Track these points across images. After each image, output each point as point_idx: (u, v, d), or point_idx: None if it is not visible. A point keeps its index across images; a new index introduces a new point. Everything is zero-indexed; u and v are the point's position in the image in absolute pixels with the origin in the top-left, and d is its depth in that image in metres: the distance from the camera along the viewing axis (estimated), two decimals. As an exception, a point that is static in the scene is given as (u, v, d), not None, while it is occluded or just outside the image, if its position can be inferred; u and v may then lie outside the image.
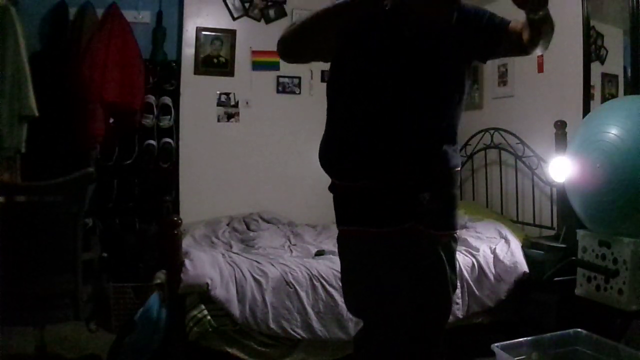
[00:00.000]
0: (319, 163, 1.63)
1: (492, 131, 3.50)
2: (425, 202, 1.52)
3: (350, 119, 1.53)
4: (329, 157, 1.60)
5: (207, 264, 2.38)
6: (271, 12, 3.84)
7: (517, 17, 1.61)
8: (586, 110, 2.82)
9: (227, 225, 3.41)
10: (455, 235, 1.66)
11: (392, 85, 1.48)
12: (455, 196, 1.64)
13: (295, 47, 1.51)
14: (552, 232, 2.95)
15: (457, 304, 2.57)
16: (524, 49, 1.50)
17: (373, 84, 1.49)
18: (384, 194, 1.50)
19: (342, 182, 1.58)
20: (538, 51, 1.50)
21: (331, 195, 1.66)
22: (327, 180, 1.63)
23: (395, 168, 1.50)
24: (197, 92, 3.65)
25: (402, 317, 1.55)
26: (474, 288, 2.66)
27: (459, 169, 1.64)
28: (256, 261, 2.52)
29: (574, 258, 2.39)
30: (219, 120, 3.74)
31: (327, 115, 1.61)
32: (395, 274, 1.53)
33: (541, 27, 1.39)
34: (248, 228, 3.41)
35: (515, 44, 1.50)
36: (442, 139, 1.54)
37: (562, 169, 2.53)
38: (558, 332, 2.02)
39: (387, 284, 1.52)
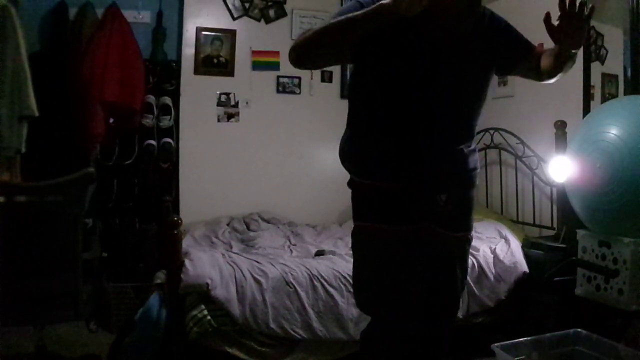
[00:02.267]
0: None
1: (492, 131, 3.50)
2: (442, 204, 1.54)
3: (373, 121, 1.55)
4: (350, 154, 1.63)
5: (207, 264, 2.38)
6: (271, 12, 3.84)
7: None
8: (586, 110, 2.82)
9: (227, 225, 3.41)
10: (469, 236, 1.68)
11: (416, 90, 1.49)
12: (471, 198, 1.67)
13: (310, 56, 1.49)
14: (552, 232, 2.96)
15: (457, 304, 2.57)
16: (539, 75, 1.58)
17: (398, 89, 1.50)
18: (402, 193, 1.52)
19: (361, 180, 1.59)
20: (548, 81, 1.57)
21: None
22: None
23: (416, 170, 1.52)
24: (197, 92, 3.65)
25: (412, 314, 1.56)
26: (474, 288, 2.66)
27: (478, 170, 1.66)
28: (256, 261, 2.52)
29: (574, 258, 2.39)
30: (219, 120, 3.74)
31: (349, 116, 1.65)
32: (407, 271, 1.54)
33: (567, 62, 1.46)
34: (248, 228, 3.41)
35: (533, 67, 1.57)
36: (461, 140, 1.57)
37: (562, 169, 2.53)
38: (558, 332, 2.01)
39: (399, 280, 1.53)
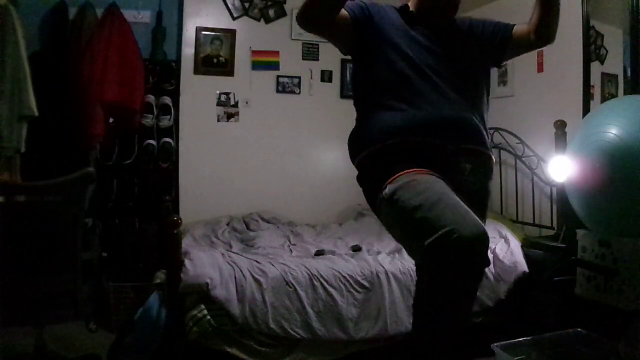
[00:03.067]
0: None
1: (492, 131, 3.49)
2: (467, 174, 1.56)
3: (387, 101, 1.59)
4: (364, 133, 1.63)
5: (207, 264, 2.38)
6: (271, 12, 3.84)
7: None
8: (586, 110, 2.82)
9: (227, 225, 3.41)
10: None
11: (430, 70, 1.58)
12: (489, 192, 1.70)
13: (312, 14, 1.53)
14: (552, 232, 2.96)
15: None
16: (533, 41, 1.64)
17: (411, 68, 1.57)
18: (425, 147, 1.53)
19: (378, 146, 1.56)
20: (546, 41, 1.63)
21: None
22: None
23: (437, 131, 1.54)
24: (197, 92, 3.65)
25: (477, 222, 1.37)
26: (474, 288, 2.65)
27: (494, 161, 1.71)
28: (256, 261, 2.52)
29: (574, 258, 2.39)
30: (219, 120, 3.74)
31: (358, 109, 1.69)
32: (451, 191, 1.44)
33: (550, 10, 1.56)
34: (248, 228, 3.41)
35: (523, 40, 1.65)
36: (480, 122, 1.62)
37: (562, 169, 2.53)
38: (558, 332, 2.02)
39: (449, 192, 1.42)
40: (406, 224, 1.45)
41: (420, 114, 1.55)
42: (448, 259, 1.29)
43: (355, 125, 1.70)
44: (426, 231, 1.32)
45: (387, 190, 1.48)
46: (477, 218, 1.36)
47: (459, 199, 1.39)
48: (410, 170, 1.47)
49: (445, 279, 1.33)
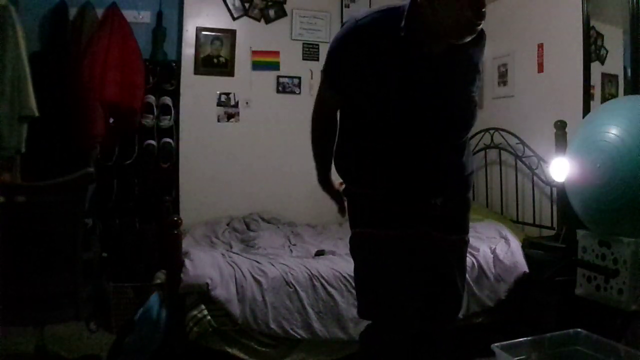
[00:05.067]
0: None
1: (492, 131, 3.50)
2: (438, 207, 1.54)
3: (362, 135, 1.56)
4: (342, 165, 1.64)
5: (207, 264, 2.38)
6: (271, 12, 3.84)
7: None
8: (586, 110, 2.82)
9: (227, 225, 3.41)
10: (466, 239, 1.67)
11: (407, 107, 1.46)
12: (467, 200, 1.67)
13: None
14: (552, 232, 2.95)
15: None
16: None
17: (385, 104, 1.47)
18: (397, 199, 1.53)
19: (353, 188, 1.61)
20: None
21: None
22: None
23: (409, 178, 1.52)
24: (197, 92, 3.65)
25: (412, 317, 1.56)
26: (474, 288, 2.66)
27: (473, 174, 1.67)
28: (256, 261, 2.52)
29: (574, 258, 2.39)
30: (219, 120, 3.74)
31: (339, 126, 1.67)
32: (405, 275, 1.54)
33: None
34: (248, 228, 3.41)
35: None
36: (454, 154, 1.57)
37: (562, 169, 2.53)
38: (558, 332, 2.02)
39: (398, 284, 1.54)
40: (355, 277, 1.67)
41: (397, 174, 1.51)
42: (369, 347, 1.60)
43: (339, 138, 1.67)
44: (361, 304, 1.63)
45: (352, 236, 1.63)
46: (412, 314, 1.56)
47: (403, 288, 1.54)
48: (376, 231, 1.54)
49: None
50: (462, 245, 1.66)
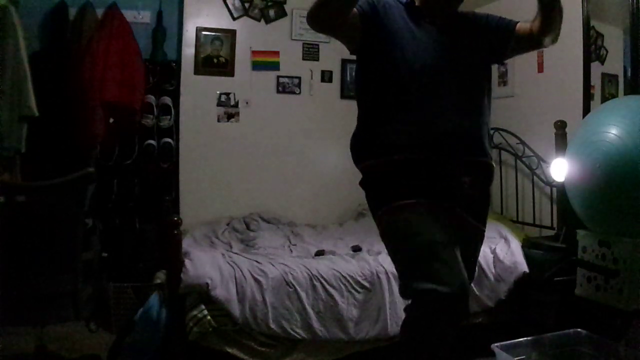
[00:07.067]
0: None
1: (492, 131, 3.49)
2: (466, 186, 1.58)
3: (389, 106, 1.60)
4: (365, 139, 1.65)
5: (207, 264, 2.38)
6: (271, 12, 3.84)
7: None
8: (586, 110, 2.82)
9: (227, 225, 3.41)
10: (485, 232, 1.72)
11: (431, 72, 1.57)
12: (489, 195, 1.74)
13: (320, 16, 1.50)
14: (552, 232, 2.96)
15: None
16: (535, 40, 1.64)
17: (412, 72, 1.57)
18: (424, 167, 1.55)
19: (380, 159, 1.60)
20: (548, 41, 1.63)
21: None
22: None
23: (439, 147, 1.55)
24: (197, 92, 3.65)
25: (458, 276, 1.48)
26: (474, 288, 2.65)
27: (494, 167, 1.73)
28: (256, 261, 2.52)
29: (574, 258, 2.39)
30: (219, 120, 3.74)
31: (360, 109, 1.70)
32: (452, 237, 1.53)
33: (551, 12, 1.54)
34: (248, 228, 3.41)
35: (525, 37, 1.64)
36: (480, 128, 1.64)
37: (562, 169, 2.53)
38: (558, 332, 2.02)
39: (448, 242, 1.50)
40: (395, 257, 1.61)
41: (421, 129, 1.56)
42: (426, 313, 1.46)
43: (357, 125, 1.71)
44: (411, 277, 1.49)
45: (383, 217, 1.58)
46: (463, 271, 1.48)
47: (448, 245, 1.49)
48: (408, 202, 1.52)
49: (424, 325, 1.49)
50: (482, 237, 1.71)
